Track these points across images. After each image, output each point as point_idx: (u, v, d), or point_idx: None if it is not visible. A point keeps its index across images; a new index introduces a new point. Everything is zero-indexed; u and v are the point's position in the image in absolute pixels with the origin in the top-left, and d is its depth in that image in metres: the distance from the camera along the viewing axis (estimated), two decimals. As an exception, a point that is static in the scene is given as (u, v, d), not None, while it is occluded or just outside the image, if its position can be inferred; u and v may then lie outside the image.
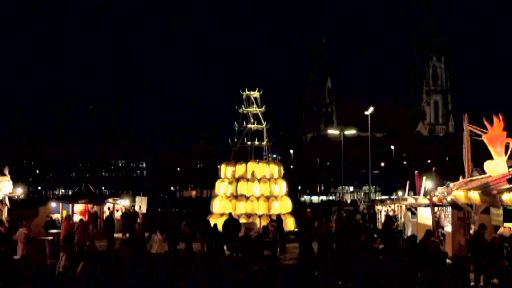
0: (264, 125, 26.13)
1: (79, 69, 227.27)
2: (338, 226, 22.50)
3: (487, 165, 13.95)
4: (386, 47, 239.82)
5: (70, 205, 26.60)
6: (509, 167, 13.57)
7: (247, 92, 26.08)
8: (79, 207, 26.95)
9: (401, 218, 25.17)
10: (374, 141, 55.28)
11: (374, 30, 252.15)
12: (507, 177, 12.04)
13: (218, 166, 26.22)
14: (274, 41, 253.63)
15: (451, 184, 15.35)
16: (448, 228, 18.61)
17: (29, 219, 19.82)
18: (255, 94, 26.17)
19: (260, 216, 23.48)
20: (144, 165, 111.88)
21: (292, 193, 37.64)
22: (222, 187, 24.76)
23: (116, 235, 22.46)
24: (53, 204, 25.66)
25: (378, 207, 31.55)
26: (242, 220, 23.18)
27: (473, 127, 15.09)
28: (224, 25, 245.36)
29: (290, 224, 24.01)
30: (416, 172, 26.30)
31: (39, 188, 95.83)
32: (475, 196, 12.70)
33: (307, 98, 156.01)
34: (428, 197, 18.51)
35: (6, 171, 18.76)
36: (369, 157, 42.68)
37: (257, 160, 24.79)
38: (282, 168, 25.49)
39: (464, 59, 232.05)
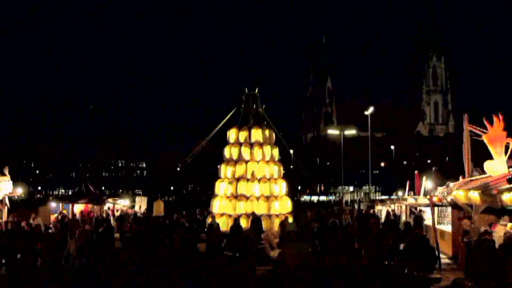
0: (264, 124, 26.11)
1: (79, 69, 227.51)
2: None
3: (487, 165, 13.94)
4: (386, 47, 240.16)
5: (70, 205, 26.64)
6: (509, 167, 13.57)
7: (247, 92, 26.07)
8: (79, 207, 26.99)
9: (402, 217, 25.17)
10: (374, 141, 55.31)
11: (374, 30, 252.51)
12: (507, 177, 12.02)
13: (218, 166, 26.18)
14: (274, 41, 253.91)
15: (451, 184, 15.35)
16: (448, 227, 18.64)
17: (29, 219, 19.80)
18: (255, 93, 26.14)
19: (260, 216, 23.48)
20: (144, 165, 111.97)
21: (292, 193, 37.65)
22: (222, 187, 24.75)
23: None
24: (53, 204, 25.69)
25: (378, 207, 31.60)
26: (243, 220, 23.19)
27: (473, 127, 15.09)
28: (224, 25, 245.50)
29: (290, 224, 24.00)
30: (416, 172, 26.33)
31: (39, 188, 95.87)
32: (475, 196, 12.70)
33: (307, 98, 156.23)
34: (428, 197, 18.52)
35: (6, 171, 18.73)
36: (369, 157, 42.70)
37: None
38: (282, 168, 25.48)
39: (464, 59, 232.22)
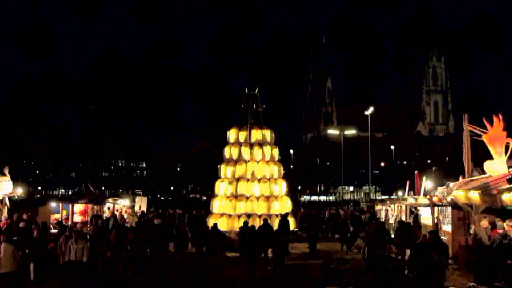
0: (264, 124, 26.13)
1: (79, 69, 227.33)
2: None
3: (487, 165, 13.93)
4: (386, 47, 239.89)
5: (70, 205, 26.56)
6: (509, 167, 13.56)
7: (247, 92, 26.09)
8: (79, 207, 26.91)
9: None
10: (374, 141, 55.27)
11: (374, 30, 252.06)
12: (507, 177, 12.02)
13: (218, 166, 26.22)
14: (274, 41, 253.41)
15: (451, 184, 15.33)
16: (448, 227, 18.63)
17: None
18: (255, 93, 26.16)
19: (259, 216, 23.48)
20: (144, 165, 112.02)
21: (293, 193, 37.61)
22: (222, 187, 24.77)
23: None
24: (53, 204, 25.62)
25: (379, 207, 31.52)
26: (243, 220, 23.19)
27: (473, 127, 15.08)
28: (224, 26, 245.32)
29: (290, 224, 24.02)
30: (416, 172, 26.29)
31: (39, 188, 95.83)
32: (475, 196, 12.69)
33: (307, 98, 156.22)
34: (428, 197, 18.50)
35: (6, 171, 18.72)
36: (369, 157, 42.64)
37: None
38: (282, 168, 25.50)
39: (464, 59, 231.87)
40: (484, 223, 13.33)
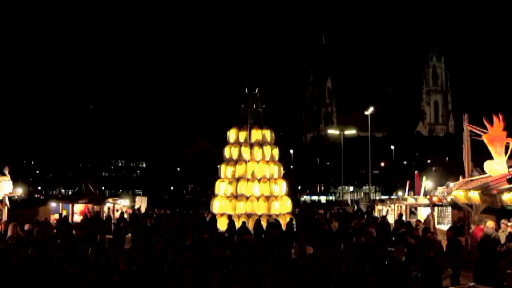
0: (264, 124, 26.15)
1: (79, 69, 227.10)
2: None
3: (487, 165, 13.94)
4: (386, 47, 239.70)
5: (70, 205, 26.59)
6: (509, 167, 13.56)
7: (247, 92, 26.11)
8: (79, 207, 26.94)
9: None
10: (374, 141, 55.32)
11: (374, 30, 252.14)
12: (507, 177, 12.04)
13: (218, 166, 26.25)
14: (274, 41, 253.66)
15: (451, 184, 15.34)
16: (448, 227, 18.63)
17: (29, 219, 19.76)
18: (255, 93, 26.19)
19: (259, 216, 23.49)
20: (144, 165, 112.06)
21: (293, 193, 37.69)
22: (222, 187, 24.79)
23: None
24: (53, 204, 25.65)
25: (379, 207, 31.53)
26: (243, 220, 23.20)
27: (473, 127, 15.08)
28: (224, 25, 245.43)
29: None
30: (416, 172, 26.34)
31: (39, 188, 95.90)
32: (475, 196, 12.69)
33: (307, 98, 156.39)
34: (428, 197, 18.52)
35: (6, 171, 18.70)
36: (369, 157, 42.67)
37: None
38: (282, 168, 25.52)
39: (464, 59, 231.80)
40: (491, 223, 13.31)
